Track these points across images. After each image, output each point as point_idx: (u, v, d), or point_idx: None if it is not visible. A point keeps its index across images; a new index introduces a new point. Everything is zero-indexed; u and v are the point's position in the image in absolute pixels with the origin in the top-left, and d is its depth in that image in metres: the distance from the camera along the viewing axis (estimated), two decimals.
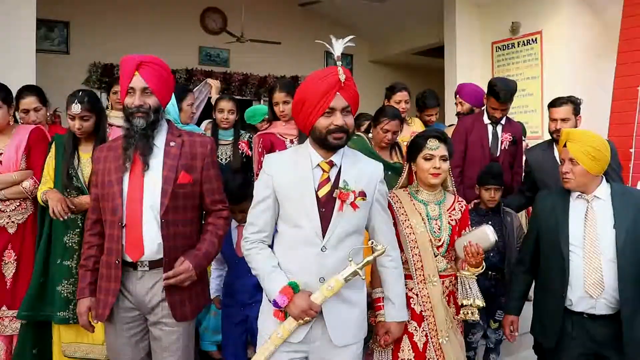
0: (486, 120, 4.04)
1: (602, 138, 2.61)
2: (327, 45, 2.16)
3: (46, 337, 2.97)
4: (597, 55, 6.90)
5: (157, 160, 2.26)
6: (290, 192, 2.13)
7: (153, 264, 2.23)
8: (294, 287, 2.05)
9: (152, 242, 2.21)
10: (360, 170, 2.19)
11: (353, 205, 2.10)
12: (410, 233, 2.50)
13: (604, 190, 2.58)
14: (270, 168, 2.18)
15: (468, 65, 7.53)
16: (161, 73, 2.30)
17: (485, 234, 2.45)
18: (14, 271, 2.99)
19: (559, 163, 2.75)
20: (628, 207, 2.53)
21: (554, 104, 3.64)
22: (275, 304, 2.06)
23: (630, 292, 2.44)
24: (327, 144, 2.11)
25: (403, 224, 2.51)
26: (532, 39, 7.03)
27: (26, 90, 3.40)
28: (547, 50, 6.88)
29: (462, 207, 2.64)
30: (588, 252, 2.49)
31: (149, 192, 2.23)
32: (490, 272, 3.46)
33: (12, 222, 3.00)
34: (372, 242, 2.11)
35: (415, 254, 2.49)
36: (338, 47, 2.14)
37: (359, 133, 4.04)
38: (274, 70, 9.49)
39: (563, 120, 3.55)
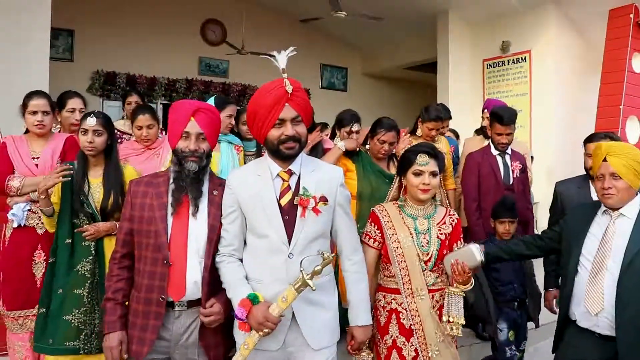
0: (494, 151, 3.99)
1: None
2: (273, 60, 2.17)
3: None
4: (583, 74, 7.06)
5: (202, 206, 2.25)
6: (253, 204, 2.14)
7: (191, 304, 2.21)
8: (252, 300, 2.04)
9: (193, 284, 2.19)
10: (320, 176, 2.19)
11: (315, 210, 2.11)
12: (397, 247, 2.46)
13: (633, 207, 2.43)
14: (232, 183, 2.21)
15: (460, 81, 7.67)
16: (214, 120, 2.32)
17: (472, 253, 2.38)
18: (43, 271, 2.99)
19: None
20: None
21: (591, 139, 3.38)
22: (236, 316, 2.07)
23: (628, 314, 2.29)
24: (280, 154, 2.12)
25: (390, 237, 2.48)
26: (522, 58, 7.18)
27: (71, 92, 3.65)
28: (536, 68, 7.03)
29: (453, 220, 2.57)
30: (595, 267, 2.40)
31: (194, 236, 2.21)
32: (515, 303, 3.46)
33: (42, 223, 3.00)
34: (319, 251, 2.05)
35: (403, 268, 2.45)
36: (281, 59, 2.15)
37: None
38: None
39: None
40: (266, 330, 2.01)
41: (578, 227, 2.55)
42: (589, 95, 6.80)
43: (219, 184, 2.33)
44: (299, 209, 2.11)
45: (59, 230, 2.82)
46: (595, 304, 2.36)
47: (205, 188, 2.28)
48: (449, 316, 2.42)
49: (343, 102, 9.05)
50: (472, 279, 2.44)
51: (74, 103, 3.61)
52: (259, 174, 2.18)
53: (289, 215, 2.11)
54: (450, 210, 2.61)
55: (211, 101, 3.57)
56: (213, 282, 2.22)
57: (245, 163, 3.88)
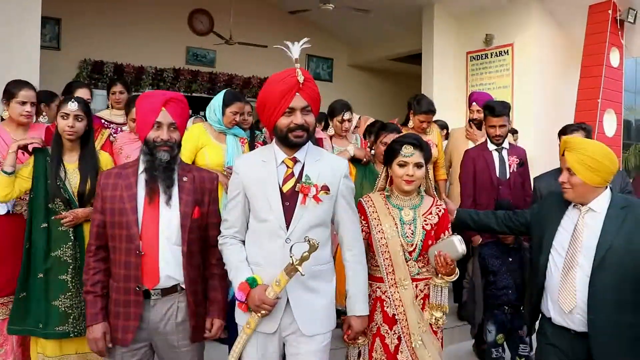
0: (491, 147, 3.99)
1: (604, 148, 2.38)
2: (285, 49, 2.21)
3: None
4: (563, 68, 7.17)
5: (172, 194, 2.27)
6: (256, 189, 2.19)
7: (165, 292, 2.24)
8: (250, 283, 2.11)
9: (167, 271, 2.22)
10: (323, 166, 2.22)
11: (316, 198, 2.14)
12: (381, 237, 2.45)
13: (601, 202, 2.38)
14: (239, 168, 2.25)
15: (444, 73, 7.73)
16: (184, 109, 2.33)
17: (453, 244, 2.33)
18: None
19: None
20: (624, 222, 2.30)
21: (565, 131, 3.37)
22: (236, 298, 2.15)
23: (602, 312, 2.26)
24: (288, 142, 2.15)
25: (375, 228, 2.46)
26: (504, 51, 7.27)
27: (79, 83, 3.75)
28: (518, 61, 7.12)
29: (439, 211, 2.53)
30: (567, 264, 2.36)
31: (165, 224, 2.23)
32: (506, 307, 3.49)
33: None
34: (306, 237, 2.06)
35: (386, 259, 2.44)
36: (295, 49, 2.18)
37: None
38: (258, 71, 9.55)
39: None
40: (264, 311, 2.09)
41: (550, 218, 2.52)
42: (569, 88, 6.91)
43: (188, 170, 2.36)
44: (300, 196, 2.15)
45: (34, 216, 2.81)
46: (568, 301, 2.34)
47: (175, 176, 2.30)
48: (433, 307, 2.43)
49: (328, 93, 9.06)
50: (457, 270, 2.43)
51: (81, 92, 3.67)
52: (265, 160, 2.23)
53: (289, 201, 2.16)
54: (437, 201, 2.59)
55: (221, 93, 3.65)
56: (191, 268, 2.27)
57: None
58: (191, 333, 2.29)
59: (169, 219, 2.24)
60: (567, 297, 2.34)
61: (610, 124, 6.70)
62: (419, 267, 2.48)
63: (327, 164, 2.26)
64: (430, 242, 2.46)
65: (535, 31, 6.99)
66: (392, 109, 9.41)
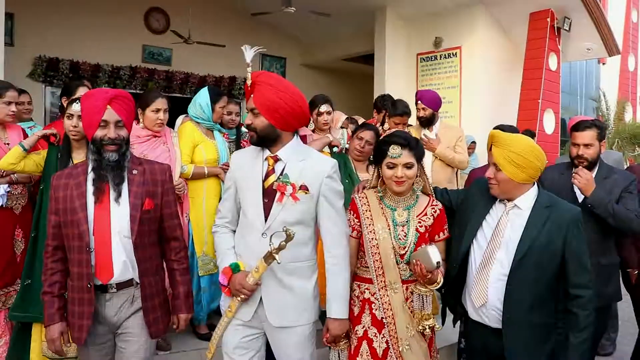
0: None
1: (530, 143, 2.26)
2: (261, 49, 2.30)
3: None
4: (508, 70, 7.45)
5: (122, 188, 2.24)
6: (242, 183, 2.23)
7: (120, 286, 2.22)
8: (233, 268, 2.16)
9: (121, 265, 2.19)
10: (307, 166, 2.20)
11: (293, 197, 2.14)
12: (372, 238, 2.33)
13: (527, 199, 2.27)
14: (233, 161, 2.32)
15: (395, 73, 7.88)
16: (130, 106, 2.29)
17: (427, 255, 2.16)
18: (22, 247, 3.17)
19: (574, 189, 2.70)
20: (547, 221, 2.21)
21: (577, 127, 3.12)
22: (219, 281, 2.21)
23: (517, 311, 2.19)
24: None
25: (367, 228, 2.34)
26: (453, 53, 7.50)
27: (78, 81, 3.77)
28: (465, 63, 7.37)
29: (435, 211, 2.37)
30: (485, 258, 2.27)
31: (116, 217, 2.19)
32: None
33: (18, 204, 3.19)
34: (284, 228, 2.06)
35: (377, 260, 2.32)
36: (249, 54, 2.23)
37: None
38: (213, 70, 9.47)
39: (586, 145, 3.07)
40: (242, 296, 2.15)
41: (476, 208, 2.40)
42: (512, 88, 7.21)
43: (138, 163, 2.32)
44: (278, 194, 2.17)
45: (44, 206, 2.86)
46: (479, 296, 2.26)
47: (125, 173, 2.25)
48: (421, 317, 2.31)
49: None
50: (440, 279, 2.27)
51: (83, 91, 3.62)
52: (255, 156, 2.26)
53: (269, 198, 2.18)
54: (433, 200, 2.42)
55: (205, 91, 3.65)
56: (144, 260, 2.25)
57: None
58: (147, 328, 2.28)
59: (120, 213, 2.20)
60: (478, 293, 2.27)
61: (549, 122, 7.03)
62: (410, 270, 2.32)
63: (312, 164, 2.23)
64: (422, 245, 2.30)
65: (482, 35, 7.25)
66: (345, 108, 9.57)
